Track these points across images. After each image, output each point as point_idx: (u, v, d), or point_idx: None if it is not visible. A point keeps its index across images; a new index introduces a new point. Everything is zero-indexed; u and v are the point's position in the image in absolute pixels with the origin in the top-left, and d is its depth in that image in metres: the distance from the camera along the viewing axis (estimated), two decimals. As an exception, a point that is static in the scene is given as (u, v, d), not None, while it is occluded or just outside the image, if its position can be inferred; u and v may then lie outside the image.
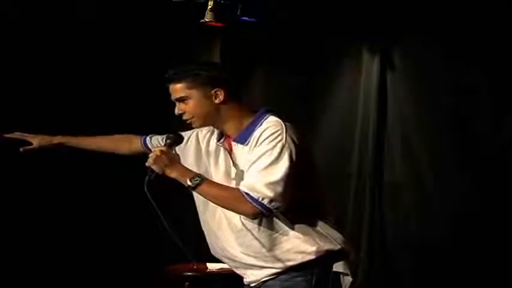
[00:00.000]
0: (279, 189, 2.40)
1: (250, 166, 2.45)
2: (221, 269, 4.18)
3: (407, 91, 4.25)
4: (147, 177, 2.61)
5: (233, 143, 2.58)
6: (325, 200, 2.64)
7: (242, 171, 2.52)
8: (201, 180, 2.47)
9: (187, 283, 4.04)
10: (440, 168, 4.10)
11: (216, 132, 2.68)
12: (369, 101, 4.37)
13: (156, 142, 3.00)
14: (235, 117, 2.57)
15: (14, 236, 4.32)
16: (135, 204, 4.68)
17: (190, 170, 2.52)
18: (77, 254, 4.49)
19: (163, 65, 4.76)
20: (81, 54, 4.55)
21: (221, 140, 2.64)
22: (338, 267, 2.56)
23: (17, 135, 3.14)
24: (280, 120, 2.49)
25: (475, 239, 3.92)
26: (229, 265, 2.72)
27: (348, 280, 2.57)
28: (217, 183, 2.52)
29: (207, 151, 2.69)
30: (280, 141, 2.43)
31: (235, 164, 2.57)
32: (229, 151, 2.59)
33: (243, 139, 2.54)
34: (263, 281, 2.58)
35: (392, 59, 4.32)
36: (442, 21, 4.02)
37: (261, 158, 2.43)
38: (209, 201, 2.57)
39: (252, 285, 2.64)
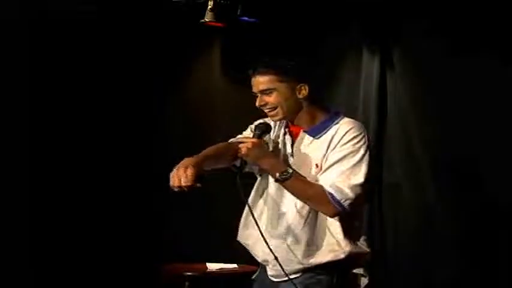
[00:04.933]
0: (360, 191, 2.50)
1: (333, 164, 2.53)
2: (221, 269, 4.18)
3: (407, 91, 4.25)
4: (238, 167, 2.65)
5: (302, 134, 2.66)
6: None
7: (299, 160, 2.61)
8: (290, 175, 2.54)
9: (187, 283, 4.04)
10: (440, 168, 4.10)
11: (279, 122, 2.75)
12: (368, 101, 4.37)
13: (246, 133, 2.91)
14: (311, 112, 2.66)
15: (14, 236, 4.31)
16: (135, 204, 4.71)
17: (281, 164, 2.60)
18: (77, 253, 4.48)
19: (163, 65, 4.83)
20: (81, 54, 4.55)
21: (286, 129, 2.72)
22: (359, 269, 2.66)
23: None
24: (359, 122, 2.63)
25: (475, 238, 3.92)
26: (257, 254, 2.78)
27: (364, 280, 2.67)
28: (303, 179, 2.57)
29: (270, 139, 2.77)
30: (364, 143, 2.54)
31: (295, 152, 2.65)
32: (293, 139, 2.68)
33: (315, 133, 2.62)
34: (287, 278, 2.62)
35: (392, 59, 4.32)
36: (442, 21, 4.02)
37: (345, 158, 2.52)
38: (268, 191, 2.68)
39: (275, 280, 2.71)
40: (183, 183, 2.51)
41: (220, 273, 4.15)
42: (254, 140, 2.64)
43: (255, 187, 2.81)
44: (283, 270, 2.57)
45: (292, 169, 2.57)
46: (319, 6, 4.44)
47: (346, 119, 2.63)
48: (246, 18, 4.43)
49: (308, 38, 4.56)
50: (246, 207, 2.73)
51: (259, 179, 2.80)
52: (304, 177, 2.58)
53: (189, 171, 2.51)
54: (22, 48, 4.36)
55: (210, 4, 4.33)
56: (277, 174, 2.55)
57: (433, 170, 4.12)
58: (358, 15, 4.36)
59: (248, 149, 2.58)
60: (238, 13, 4.40)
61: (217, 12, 4.35)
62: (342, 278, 2.63)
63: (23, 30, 4.36)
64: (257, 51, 4.78)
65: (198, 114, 4.99)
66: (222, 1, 4.34)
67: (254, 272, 4.20)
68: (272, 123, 2.76)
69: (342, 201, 2.49)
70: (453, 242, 4.03)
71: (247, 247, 2.83)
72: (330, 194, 2.50)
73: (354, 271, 2.66)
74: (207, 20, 4.36)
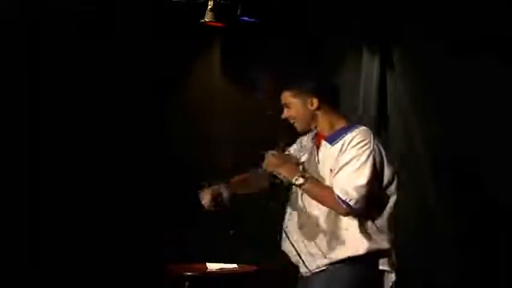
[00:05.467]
0: (364, 192, 2.77)
1: (340, 168, 2.81)
2: (221, 269, 4.18)
3: (407, 91, 4.25)
4: (271, 180, 2.97)
5: (323, 142, 2.95)
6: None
7: (322, 166, 2.91)
8: (305, 180, 2.83)
9: (187, 283, 4.04)
10: (440, 168, 4.10)
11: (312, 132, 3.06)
12: (369, 101, 4.37)
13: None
14: (328, 120, 2.95)
15: (14, 236, 4.32)
16: (135, 204, 4.71)
17: (298, 170, 2.88)
18: (77, 253, 4.48)
19: (163, 65, 4.83)
20: (81, 54, 4.55)
21: (313, 138, 3.04)
22: (383, 265, 2.89)
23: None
24: (369, 130, 2.89)
25: (475, 238, 3.92)
26: (290, 253, 2.99)
27: (391, 277, 2.91)
28: (318, 184, 2.86)
29: (304, 147, 3.10)
30: (368, 148, 2.81)
31: (320, 160, 2.94)
32: (317, 148, 2.98)
33: (331, 140, 2.91)
34: (315, 272, 2.88)
35: (392, 59, 4.32)
36: (442, 21, 4.02)
37: (350, 162, 2.79)
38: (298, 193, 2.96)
39: (305, 274, 2.93)
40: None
41: (220, 273, 4.15)
42: (272, 151, 2.92)
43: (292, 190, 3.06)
44: (305, 265, 2.87)
45: (309, 174, 2.87)
46: (319, 6, 4.44)
47: (360, 127, 2.89)
48: (246, 18, 4.43)
49: (308, 38, 4.56)
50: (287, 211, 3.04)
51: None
52: (320, 181, 2.87)
53: (205, 197, 3.12)
54: (22, 48, 4.36)
55: (210, 4, 4.34)
56: (294, 180, 2.84)
57: (433, 170, 4.12)
58: (358, 15, 4.36)
59: (267, 160, 2.90)
60: (238, 13, 4.40)
61: (217, 12, 4.35)
62: (367, 273, 2.86)
63: (23, 30, 4.36)
64: (257, 51, 4.81)
65: (198, 114, 4.99)
66: (222, 1, 4.34)
67: (254, 272, 4.23)
68: (308, 135, 3.08)
69: (347, 201, 2.76)
70: (453, 242, 4.03)
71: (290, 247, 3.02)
72: (337, 195, 2.78)
73: (380, 268, 2.88)
74: (207, 20, 4.36)
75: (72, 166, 4.54)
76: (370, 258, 2.86)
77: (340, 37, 4.48)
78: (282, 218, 3.08)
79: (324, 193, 2.83)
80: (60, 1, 4.43)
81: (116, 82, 4.66)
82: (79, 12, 4.48)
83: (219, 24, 4.41)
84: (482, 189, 3.93)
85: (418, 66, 4.20)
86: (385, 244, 2.88)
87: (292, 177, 2.85)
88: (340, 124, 2.94)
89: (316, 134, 3.01)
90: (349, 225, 2.83)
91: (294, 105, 2.96)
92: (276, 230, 3.08)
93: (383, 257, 2.88)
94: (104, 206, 4.58)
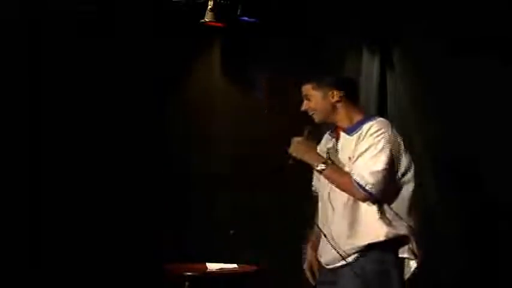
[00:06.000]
0: (380, 177, 2.91)
1: (359, 156, 2.95)
2: (221, 269, 4.18)
3: (407, 91, 4.25)
4: (289, 162, 3.06)
5: (342, 134, 3.09)
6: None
7: (342, 156, 3.04)
8: (326, 166, 2.99)
9: (187, 283, 4.04)
10: (440, 168, 4.10)
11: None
12: (369, 101, 4.37)
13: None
14: (347, 113, 3.08)
15: (14, 235, 4.32)
16: (135, 204, 4.71)
17: (321, 157, 3.03)
18: (78, 253, 4.48)
19: (163, 65, 4.83)
20: (81, 54, 4.55)
21: (332, 131, 3.17)
22: (403, 253, 3.00)
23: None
24: (387, 121, 3.04)
25: (476, 238, 3.92)
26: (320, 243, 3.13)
27: (412, 265, 3.03)
28: (338, 170, 3.01)
29: (326, 141, 3.21)
30: (384, 137, 2.95)
31: (340, 149, 3.08)
32: (336, 139, 3.11)
33: (350, 131, 3.05)
34: (338, 266, 3.00)
35: (392, 59, 4.32)
36: (442, 21, 4.02)
37: (368, 150, 2.94)
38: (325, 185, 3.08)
39: (328, 266, 3.06)
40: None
41: (220, 273, 4.14)
42: (298, 138, 3.06)
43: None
44: (336, 251, 2.95)
45: (332, 161, 3.01)
46: (319, 6, 4.44)
47: (378, 118, 3.05)
48: (246, 18, 4.43)
49: (308, 38, 4.56)
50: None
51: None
52: (341, 168, 3.01)
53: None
54: (22, 48, 4.36)
55: (210, 4, 4.34)
56: (316, 166, 3.00)
57: (433, 170, 4.12)
58: (358, 15, 4.36)
59: (294, 146, 3.03)
60: (238, 13, 4.40)
61: (217, 12, 4.35)
62: (390, 264, 2.98)
63: (23, 30, 4.36)
64: (257, 51, 4.81)
65: (198, 114, 4.99)
66: (222, 1, 4.34)
67: (254, 272, 4.23)
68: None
69: (364, 186, 2.91)
70: (453, 242, 4.03)
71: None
72: (355, 180, 2.93)
73: (400, 255, 2.99)
74: (207, 20, 4.36)
75: (72, 166, 4.54)
76: (390, 245, 2.97)
77: (340, 37, 4.48)
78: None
79: (343, 179, 2.97)
80: (60, 1, 4.43)
81: (116, 82, 4.66)
82: (79, 12, 4.48)
83: (219, 24, 4.41)
84: (482, 189, 3.93)
85: (418, 66, 4.20)
86: (403, 230, 2.98)
87: (315, 164, 3.00)
88: (359, 117, 3.07)
89: (336, 127, 3.14)
90: (368, 212, 2.96)
91: (315, 97, 3.08)
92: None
93: (403, 244, 3.00)
94: (104, 206, 4.59)
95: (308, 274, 3.23)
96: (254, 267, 4.23)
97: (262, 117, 4.81)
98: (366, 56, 4.42)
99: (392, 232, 2.96)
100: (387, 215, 2.97)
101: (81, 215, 4.52)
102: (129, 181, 4.69)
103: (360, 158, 2.95)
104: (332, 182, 3.02)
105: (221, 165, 4.86)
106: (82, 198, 4.54)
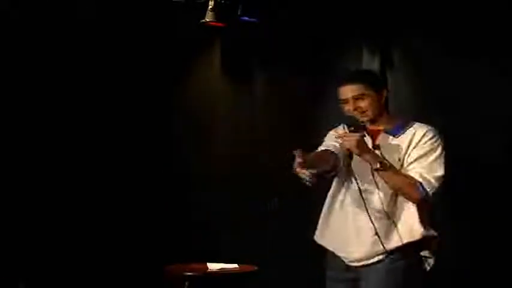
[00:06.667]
0: (441, 182, 3.00)
1: (417, 159, 3.00)
2: (221, 269, 4.18)
3: (407, 90, 4.25)
4: (348, 158, 3.02)
5: (383, 134, 3.09)
6: None
7: (388, 157, 3.02)
8: (388, 166, 2.99)
9: (187, 283, 4.04)
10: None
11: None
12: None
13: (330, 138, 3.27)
14: (388, 115, 3.13)
15: (15, 235, 4.32)
16: (135, 204, 4.71)
17: (378, 156, 3.01)
18: (78, 253, 4.49)
19: (163, 65, 4.83)
20: (81, 54, 4.55)
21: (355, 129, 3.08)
22: (424, 252, 3.08)
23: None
24: (433, 127, 3.09)
25: (476, 239, 3.92)
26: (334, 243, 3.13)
27: (430, 262, 3.09)
28: (396, 171, 3.01)
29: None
30: (440, 143, 3.05)
31: (374, 149, 3.05)
32: (373, 138, 3.09)
33: (394, 132, 3.08)
34: (369, 264, 3.03)
35: (392, 59, 4.32)
36: (442, 21, 4.02)
37: (428, 154, 3.01)
38: (351, 185, 3.08)
39: (360, 263, 3.05)
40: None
41: (221, 273, 4.15)
42: (359, 136, 2.97)
43: (333, 187, 3.19)
44: (382, 245, 2.97)
45: (388, 161, 2.99)
46: (319, 6, 4.44)
47: (418, 123, 3.09)
48: (246, 18, 4.44)
49: (308, 38, 4.56)
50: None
51: (335, 181, 3.18)
52: (396, 168, 3.01)
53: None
54: (22, 48, 4.36)
55: (211, 4, 4.34)
56: (377, 164, 2.96)
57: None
58: (358, 15, 4.36)
59: (357, 141, 2.93)
60: (238, 13, 4.41)
61: (218, 12, 4.35)
62: (416, 261, 3.06)
63: (23, 30, 4.36)
64: (257, 51, 4.81)
65: (198, 114, 4.99)
66: (222, 1, 4.34)
67: (254, 272, 4.23)
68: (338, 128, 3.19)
69: (428, 189, 2.96)
70: (453, 242, 4.02)
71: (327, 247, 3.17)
72: (420, 183, 2.96)
73: (422, 254, 3.07)
74: (207, 20, 4.36)
75: (72, 166, 4.54)
76: (421, 244, 3.04)
77: (340, 37, 4.48)
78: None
79: (404, 181, 2.98)
80: (60, 1, 4.43)
81: (116, 82, 4.67)
82: (79, 13, 4.48)
83: (219, 24, 4.41)
84: (482, 189, 3.92)
85: (418, 66, 4.20)
86: (433, 231, 3.06)
87: (376, 162, 2.97)
88: (398, 119, 3.13)
89: (362, 126, 3.08)
90: (409, 211, 3.01)
91: (369, 97, 3.05)
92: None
93: (429, 243, 3.07)
94: (104, 206, 4.59)
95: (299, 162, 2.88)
96: (254, 267, 4.23)
97: (262, 117, 4.81)
98: (366, 56, 4.42)
99: (427, 232, 3.03)
100: (424, 217, 3.04)
101: (81, 215, 4.53)
102: (129, 181, 4.69)
103: (420, 162, 3.01)
104: (391, 181, 3.00)
105: (221, 165, 4.86)
106: (82, 198, 4.54)
